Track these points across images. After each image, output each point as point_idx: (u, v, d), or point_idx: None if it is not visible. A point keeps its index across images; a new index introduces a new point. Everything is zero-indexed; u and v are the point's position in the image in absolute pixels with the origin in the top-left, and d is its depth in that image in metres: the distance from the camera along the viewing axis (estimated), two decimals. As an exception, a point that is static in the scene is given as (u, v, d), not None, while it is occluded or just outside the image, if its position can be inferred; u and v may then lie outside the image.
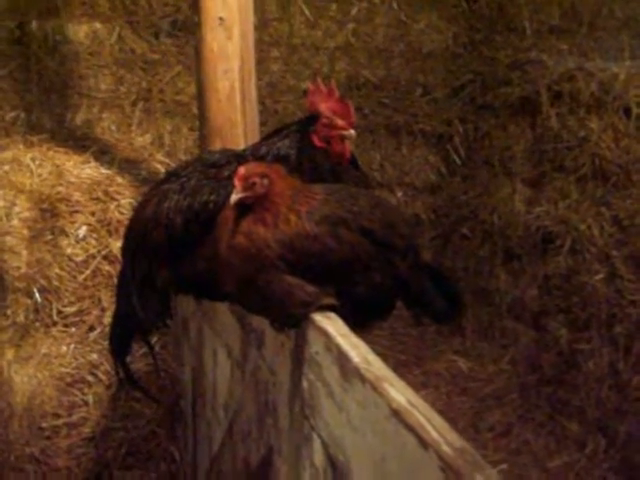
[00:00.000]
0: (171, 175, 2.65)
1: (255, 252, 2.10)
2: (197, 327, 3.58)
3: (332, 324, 2.09)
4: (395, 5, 5.38)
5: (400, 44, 5.36)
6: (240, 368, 2.89)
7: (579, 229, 4.17)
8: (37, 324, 3.99)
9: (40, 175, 4.25)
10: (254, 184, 2.11)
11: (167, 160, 4.77)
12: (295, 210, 2.13)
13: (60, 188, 4.17)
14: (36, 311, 3.98)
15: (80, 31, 5.14)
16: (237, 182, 2.12)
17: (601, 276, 4.03)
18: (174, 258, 2.54)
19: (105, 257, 4.06)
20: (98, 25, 5.16)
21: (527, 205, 4.60)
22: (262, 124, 3.97)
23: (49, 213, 4.09)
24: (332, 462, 1.98)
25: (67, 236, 4.07)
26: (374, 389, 1.74)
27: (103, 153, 4.62)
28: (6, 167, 4.28)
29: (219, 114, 3.67)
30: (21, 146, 4.56)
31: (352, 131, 2.50)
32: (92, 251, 4.07)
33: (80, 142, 4.78)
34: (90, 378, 3.98)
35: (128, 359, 2.94)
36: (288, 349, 2.34)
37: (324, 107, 2.50)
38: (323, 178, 2.44)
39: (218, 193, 2.47)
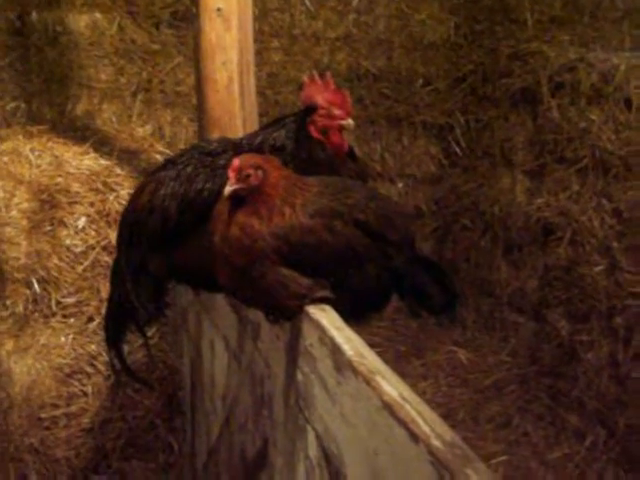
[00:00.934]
0: (168, 162, 2.66)
1: (249, 244, 2.09)
2: (196, 318, 3.58)
3: (327, 317, 2.08)
4: (396, -5, 5.37)
5: (401, 35, 5.35)
6: (237, 359, 2.89)
7: (579, 220, 4.16)
8: (36, 315, 3.99)
9: (39, 166, 4.25)
10: (248, 176, 2.09)
11: (167, 151, 4.76)
12: (290, 202, 2.11)
13: (59, 179, 4.17)
14: (35, 302, 3.99)
15: (80, 21, 5.14)
16: (231, 174, 2.10)
17: (601, 267, 4.02)
18: (168, 245, 2.55)
19: (104, 248, 4.06)
20: (98, 15, 5.16)
21: (528, 196, 4.60)
22: (263, 115, 3.96)
23: (48, 204, 4.09)
24: (326, 454, 1.98)
25: (66, 227, 4.07)
26: (366, 382, 1.74)
27: (103, 144, 4.61)
28: (5, 158, 4.28)
29: (217, 105, 3.66)
30: (21, 137, 4.55)
31: (350, 120, 2.49)
32: (91, 242, 4.07)
33: (80, 133, 4.78)
34: (89, 369, 3.98)
35: (127, 350, 2.93)
36: (283, 341, 2.34)
37: (320, 98, 2.49)
38: (319, 170, 2.42)
39: (213, 181, 2.48)
